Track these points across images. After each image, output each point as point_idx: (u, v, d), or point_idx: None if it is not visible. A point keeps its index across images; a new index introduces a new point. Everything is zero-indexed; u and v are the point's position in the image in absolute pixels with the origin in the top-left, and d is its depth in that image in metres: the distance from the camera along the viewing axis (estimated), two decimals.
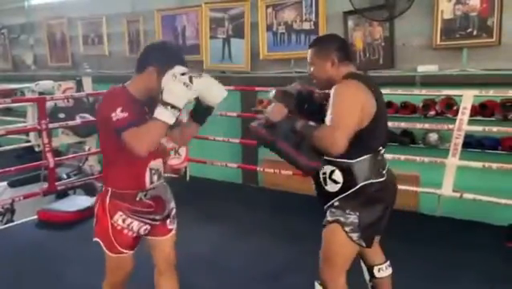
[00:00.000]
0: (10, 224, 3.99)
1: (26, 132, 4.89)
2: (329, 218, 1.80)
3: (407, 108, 3.92)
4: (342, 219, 1.76)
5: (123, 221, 1.78)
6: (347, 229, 1.75)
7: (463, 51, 3.70)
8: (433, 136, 3.74)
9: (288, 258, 3.01)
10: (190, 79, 1.59)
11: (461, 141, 3.16)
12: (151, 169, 1.80)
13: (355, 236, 1.76)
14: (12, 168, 3.68)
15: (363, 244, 1.78)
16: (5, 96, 6.35)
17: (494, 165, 3.11)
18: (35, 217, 3.78)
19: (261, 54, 4.78)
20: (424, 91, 3.54)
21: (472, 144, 3.55)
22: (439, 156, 3.53)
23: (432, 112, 3.72)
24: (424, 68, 3.85)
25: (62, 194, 4.44)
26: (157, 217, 1.87)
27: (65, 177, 4.71)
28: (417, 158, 3.50)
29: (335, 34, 1.99)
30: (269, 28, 4.70)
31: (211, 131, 4.54)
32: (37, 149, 5.02)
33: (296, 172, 3.94)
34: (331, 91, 1.72)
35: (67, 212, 3.65)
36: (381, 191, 1.77)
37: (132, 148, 1.58)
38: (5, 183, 4.55)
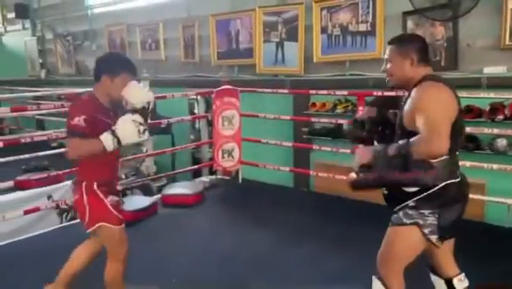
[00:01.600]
0: (74, 221, 4.20)
1: None
2: (406, 220, 1.77)
3: (471, 112, 3.71)
4: (420, 222, 1.74)
5: (117, 201, 2.14)
6: (425, 231, 1.74)
7: None
8: (502, 142, 3.51)
9: (342, 264, 2.94)
10: (144, 131, 1.91)
11: None
12: (116, 167, 2.22)
13: (434, 238, 1.75)
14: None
15: (441, 245, 1.78)
16: (70, 100, 6.76)
17: None
18: None
19: (314, 56, 4.73)
20: (492, 94, 3.33)
21: None
22: (508, 162, 3.30)
23: (501, 116, 3.49)
24: (491, 70, 3.64)
25: (122, 194, 4.63)
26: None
27: (124, 177, 4.91)
28: (485, 165, 3.29)
29: (417, 34, 2.05)
30: (323, 30, 4.64)
31: (263, 134, 4.56)
32: None
33: None
34: (416, 92, 1.72)
35: (127, 211, 3.77)
36: (458, 191, 1.76)
37: (68, 151, 1.91)
38: (69, 182, 4.80)
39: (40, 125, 8.12)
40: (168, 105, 5.14)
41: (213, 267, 2.97)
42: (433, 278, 1.98)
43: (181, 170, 5.07)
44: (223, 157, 4.55)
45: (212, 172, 5.10)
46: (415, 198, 1.74)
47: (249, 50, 5.31)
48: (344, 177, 3.86)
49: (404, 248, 1.80)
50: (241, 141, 4.54)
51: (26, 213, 3.45)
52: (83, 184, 2.09)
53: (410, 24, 4.07)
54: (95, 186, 2.07)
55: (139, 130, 1.89)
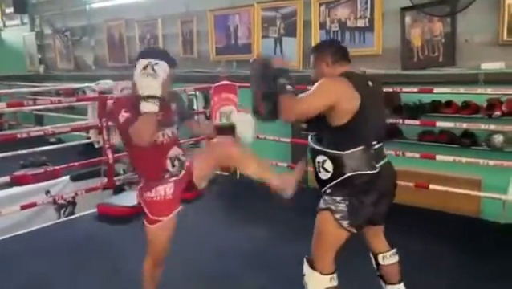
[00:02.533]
0: (72, 216, 4.22)
1: (87, 129, 5.14)
2: (322, 206, 1.95)
3: (468, 108, 3.71)
4: (332, 207, 1.90)
5: (164, 190, 2.09)
6: (337, 216, 1.89)
7: None
8: (498, 138, 3.50)
9: (341, 259, 2.93)
10: (152, 68, 1.81)
11: None
12: (170, 158, 2.11)
13: (345, 223, 1.89)
14: (76, 164, 3.88)
15: (354, 230, 1.92)
16: (68, 95, 6.77)
17: None
18: (94, 210, 3.96)
19: None
20: (489, 90, 3.33)
21: None
22: (504, 159, 3.31)
23: (498, 113, 3.49)
24: (489, 66, 3.62)
25: (118, 189, 4.64)
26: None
27: (122, 172, 4.91)
28: (481, 161, 3.29)
29: (333, 39, 2.13)
30: (322, 26, 4.63)
31: (261, 130, 4.56)
32: (96, 146, 5.26)
33: None
34: None
35: (126, 207, 3.79)
36: (371, 182, 1.88)
37: (136, 141, 1.87)
38: (67, 177, 4.81)
39: (38, 121, 8.11)
40: None
41: (209, 263, 2.98)
42: (370, 253, 2.19)
43: None
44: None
45: None
46: (329, 185, 1.91)
47: (248, 45, 5.30)
48: None
49: (324, 232, 1.96)
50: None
51: (24, 208, 3.46)
52: (140, 181, 2.17)
53: (408, 20, 4.05)
54: (147, 181, 2.11)
55: (149, 74, 1.81)
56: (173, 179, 2.14)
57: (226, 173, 4.90)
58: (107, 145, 3.81)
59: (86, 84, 5.93)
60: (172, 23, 6.09)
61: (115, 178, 4.12)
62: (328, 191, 1.92)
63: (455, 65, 3.82)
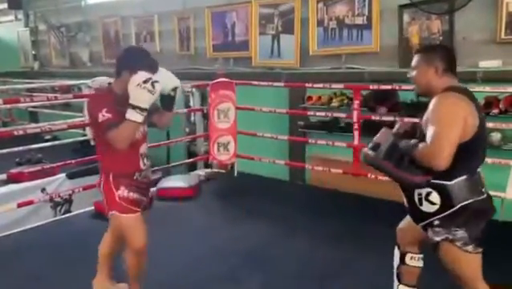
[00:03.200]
0: (68, 214, 4.19)
1: (85, 126, 5.11)
2: (436, 238, 1.79)
3: None
4: (450, 237, 1.76)
5: (128, 193, 2.14)
6: (458, 244, 1.76)
7: None
8: (496, 136, 3.52)
9: (336, 258, 2.95)
10: (153, 85, 1.92)
11: None
12: (141, 154, 2.18)
13: (470, 248, 1.76)
14: (73, 161, 3.85)
15: (480, 249, 1.79)
16: (63, 92, 6.72)
17: None
18: (91, 208, 3.93)
19: (310, 50, 4.71)
20: (488, 88, 3.33)
21: None
22: (502, 157, 3.32)
23: (496, 111, 3.50)
24: (487, 64, 3.64)
25: None
26: (147, 193, 2.27)
27: None
28: None
29: (446, 44, 2.00)
30: (319, 23, 4.62)
31: (259, 127, 4.55)
32: (92, 143, 5.23)
33: (346, 171, 3.86)
34: (433, 103, 1.72)
35: None
36: (482, 208, 1.76)
37: (115, 145, 1.96)
38: (63, 175, 4.78)
39: (33, 118, 8.05)
40: None
41: (207, 260, 2.97)
42: (396, 251, 2.10)
43: (177, 163, 5.06)
44: (218, 150, 4.53)
45: (207, 165, 5.09)
46: (438, 216, 1.76)
47: (245, 42, 5.28)
48: (340, 171, 3.89)
49: (457, 263, 1.80)
50: (237, 134, 4.52)
51: (20, 206, 3.42)
52: (102, 175, 2.19)
53: (406, 17, 4.06)
54: (110, 176, 2.14)
55: (148, 90, 1.91)
56: (139, 185, 2.18)
57: (223, 171, 4.89)
58: None
59: (81, 81, 5.89)
60: (169, 20, 6.06)
61: None
62: (437, 223, 1.77)
63: None
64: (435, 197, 1.74)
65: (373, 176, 3.56)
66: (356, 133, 3.63)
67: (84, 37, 7.48)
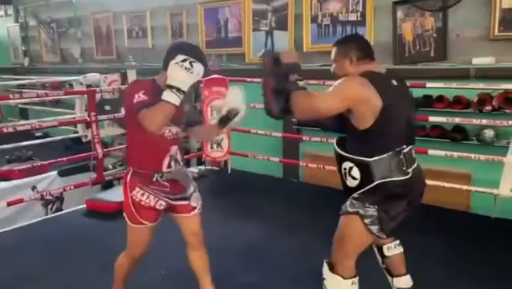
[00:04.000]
0: (60, 212, 4.14)
1: (76, 123, 5.05)
2: (349, 209, 1.85)
3: (459, 103, 3.73)
4: (361, 212, 1.81)
5: (142, 194, 1.98)
6: (366, 221, 1.80)
7: None
8: (489, 133, 3.53)
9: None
10: (190, 64, 1.79)
11: None
12: (170, 156, 2.03)
13: (374, 229, 1.80)
14: (64, 158, 3.80)
15: (384, 236, 1.86)
16: (54, 88, 6.63)
17: None
18: (83, 206, 3.89)
19: (304, 46, 4.69)
20: (481, 85, 3.34)
21: None
22: (494, 153, 3.33)
23: (489, 107, 3.51)
24: (480, 61, 3.65)
25: (107, 184, 4.57)
26: (174, 197, 2.06)
27: (111, 167, 4.84)
28: (472, 155, 3.31)
29: (358, 34, 2.06)
30: (313, 20, 4.61)
31: (253, 124, 4.52)
32: (84, 140, 5.18)
33: None
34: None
35: (115, 202, 3.72)
36: (402, 188, 1.79)
37: (144, 125, 1.80)
38: (55, 172, 4.73)
39: (23, 114, 7.95)
40: None
41: None
42: (374, 247, 2.14)
43: None
44: (212, 148, 4.50)
45: (201, 162, 5.06)
46: (357, 192, 1.81)
47: (238, 39, 5.24)
48: (334, 168, 3.87)
49: (350, 235, 1.86)
50: (231, 131, 4.50)
51: (10, 204, 3.38)
52: (127, 168, 2.06)
53: (400, 14, 4.05)
54: (129, 174, 2.00)
55: (185, 68, 1.78)
56: (157, 189, 2.02)
57: (217, 168, 4.86)
58: (96, 139, 3.73)
59: (73, 77, 5.82)
60: (162, 16, 6.00)
61: (104, 173, 4.04)
62: (356, 196, 1.83)
63: (446, 60, 3.83)
64: (355, 172, 1.80)
65: None
66: None
67: (75, 33, 7.39)
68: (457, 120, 3.45)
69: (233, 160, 4.75)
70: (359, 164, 1.79)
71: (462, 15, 3.71)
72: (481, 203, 3.54)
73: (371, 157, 1.76)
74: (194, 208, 2.13)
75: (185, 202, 2.11)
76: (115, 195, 3.89)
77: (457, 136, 3.71)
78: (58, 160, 3.90)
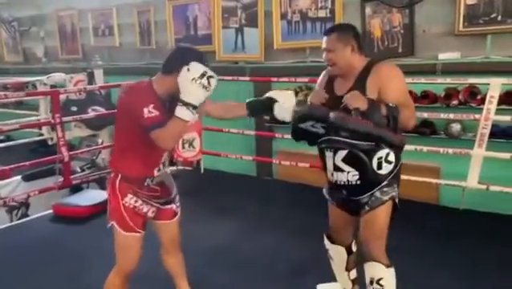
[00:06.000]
0: (25, 219, 3.97)
1: (40, 125, 4.85)
2: (384, 198, 1.86)
3: (427, 98, 3.80)
4: (394, 194, 1.87)
5: (135, 201, 1.90)
6: (396, 200, 1.89)
7: (487, 38, 3.56)
8: (456, 127, 3.62)
9: (308, 252, 2.94)
10: (208, 81, 1.71)
11: (487, 131, 3.04)
12: (163, 160, 1.97)
13: (397, 203, 1.90)
14: (27, 163, 3.64)
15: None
16: (16, 89, 6.36)
17: None
18: (50, 211, 3.75)
19: (275, 43, 4.67)
20: (448, 80, 3.41)
21: (497, 134, 3.42)
22: (461, 146, 3.41)
23: (455, 102, 3.60)
24: (446, 56, 3.72)
25: (75, 188, 4.42)
26: (162, 201, 2.00)
27: (79, 170, 4.68)
28: (441, 149, 3.38)
29: (348, 23, 2.06)
30: (283, 16, 4.59)
31: (225, 123, 4.47)
32: (50, 143, 4.99)
33: (313, 165, 3.86)
34: (382, 70, 1.83)
35: (83, 206, 3.61)
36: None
37: (160, 145, 1.75)
38: (19, 177, 4.53)
39: None
40: None
41: None
42: (333, 246, 2.19)
43: None
44: (183, 148, 4.43)
45: (172, 163, 4.97)
46: (389, 176, 1.85)
47: (208, 36, 5.17)
48: (307, 165, 3.89)
49: (387, 223, 1.89)
50: (202, 131, 4.43)
51: None
52: (112, 174, 1.94)
53: (368, 11, 4.09)
54: (117, 180, 1.90)
55: (203, 85, 1.70)
56: (148, 194, 1.94)
57: (189, 168, 4.79)
58: (61, 142, 3.59)
59: (36, 78, 5.60)
60: (129, 13, 5.85)
61: (72, 176, 3.90)
62: (386, 183, 1.86)
63: (414, 55, 3.89)
64: (392, 156, 1.83)
65: None
66: None
67: (38, 31, 7.11)
68: (426, 114, 3.51)
69: (206, 160, 4.69)
70: (394, 146, 1.82)
71: (428, 11, 3.78)
72: (449, 196, 3.62)
73: (396, 138, 1.82)
74: (176, 214, 2.09)
75: (170, 206, 2.05)
76: (84, 199, 3.78)
77: (426, 130, 3.77)
78: (21, 164, 3.72)
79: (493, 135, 3.33)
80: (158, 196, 1.98)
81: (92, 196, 3.85)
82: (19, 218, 4.14)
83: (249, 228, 3.39)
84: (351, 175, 1.86)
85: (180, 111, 1.71)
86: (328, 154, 1.91)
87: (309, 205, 3.76)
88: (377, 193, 1.86)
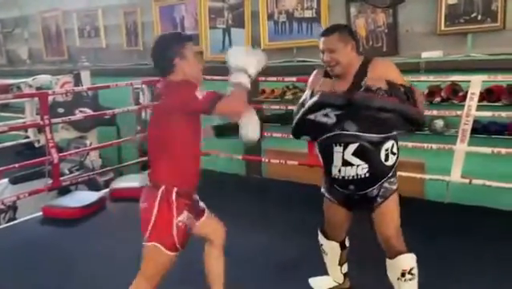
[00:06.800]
0: (14, 222, 3.93)
1: (28, 128, 4.80)
2: (394, 187, 1.95)
3: None
4: (397, 183, 1.97)
5: (188, 218, 1.78)
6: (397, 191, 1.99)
7: (468, 37, 3.67)
8: (439, 123, 3.71)
9: (299, 249, 2.99)
10: (257, 59, 1.73)
11: (469, 127, 3.14)
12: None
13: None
14: (16, 165, 3.62)
15: None
16: (1, 92, 6.27)
17: (504, 150, 3.10)
18: (38, 214, 3.72)
19: (262, 43, 4.72)
20: (431, 78, 3.51)
21: (478, 129, 3.53)
22: (445, 142, 3.51)
23: (438, 99, 3.69)
24: (429, 54, 3.82)
25: (64, 190, 4.39)
26: (197, 210, 1.93)
27: (67, 172, 4.66)
28: (425, 145, 3.48)
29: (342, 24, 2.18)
30: (270, 17, 4.64)
31: (214, 122, 4.50)
32: (37, 145, 4.95)
33: (302, 162, 3.92)
34: (381, 66, 1.91)
35: (73, 208, 3.60)
36: None
37: (232, 114, 1.72)
38: (6, 180, 4.49)
39: None
40: (111, 95, 4.92)
41: None
42: (328, 242, 2.24)
43: (129, 163, 4.90)
44: None
45: None
46: (393, 168, 1.93)
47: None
48: (296, 163, 3.94)
49: (399, 212, 1.98)
50: None
51: None
52: (161, 189, 1.72)
53: (353, 10, 4.16)
54: (173, 195, 1.72)
55: (257, 58, 1.73)
56: (193, 207, 1.85)
57: None
58: (51, 144, 3.57)
59: (21, 80, 5.54)
60: (115, 14, 5.83)
61: (61, 178, 3.89)
62: (391, 174, 1.93)
63: (398, 54, 3.98)
64: (395, 147, 1.91)
65: None
66: None
67: (22, 33, 7.03)
68: None
69: None
70: (396, 138, 1.90)
71: (411, 11, 3.87)
72: (434, 190, 3.72)
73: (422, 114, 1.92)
74: (204, 210, 2.02)
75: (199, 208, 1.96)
76: (73, 200, 3.77)
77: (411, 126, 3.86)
78: (10, 166, 3.68)
79: (475, 131, 3.45)
80: (195, 205, 1.90)
81: (82, 197, 3.85)
82: (7, 222, 4.11)
83: (237, 226, 3.40)
84: (360, 168, 1.88)
85: (238, 76, 1.67)
86: (337, 149, 1.89)
87: (297, 202, 3.82)
88: (386, 184, 1.93)
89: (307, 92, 2.06)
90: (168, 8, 5.34)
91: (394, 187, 1.95)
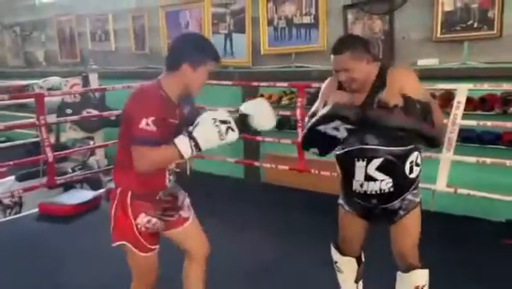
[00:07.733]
0: (12, 216, 4.10)
1: (24, 127, 5.00)
2: (417, 199, 1.92)
3: None
4: (421, 196, 1.94)
5: (148, 221, 1.75)
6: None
7: (464, 44, 3.62)
8: None
9: (280, 251, 3.01)
10: (227, 130, 1.59)
11: (455, 136, 3.09)
12: (169, 170, 1.80)
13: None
14: (11, 162, 3.77)
15: None
16: (17, 92, 6.53)
17: (489, 160, 3.04)
18: (36, 210, 3.87)
19: (262, 49, 4.77)
20: (426, 86, 3.46)
21: (472, 138, 3.48)
22: (432, 151, 3.44)
23: None
24: (425, 62, 3.78)
25: (68, 187, 4.54)
26: (173, 213, 1.85)
27: (70, 171, 4.82)
28: None
29: (352, 34, 2.09)
30: (270, 23, 4.69)
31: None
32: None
33: (293, 168, 3.92)
34: (400, 76, 1.80)
35: (67, 205, 3.73)
36: None
37: (135, 164, 1.57)
38: (13, 177, 4.68)
39: None
40: (118, 97, 5.05)
41: None
42: (344, 258, 2.10)
43: None
44: None
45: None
46: (417, 180, 1.89)
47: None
48: (286, 167, 3.94)
49: (420, 226, 1.94)
50: None
51: None
52: (118, 191, 1.74)
53: (350, 17, 4.17)
54: (128, 198, 1.72)
55: (219, 131, 1.57)
56: (160, 208, 1.78)
57: (177, 170, 4.88)
58: (46, 143, 3.72)
59: (34, 81, 5.77)
60: (124, 19, 6.00)
61: (59, 177, 4.03)
62: (415, 186, 1.89)
63: (394, 61, 3.95)
64: (419, 158, 1.87)
65: (316, 171, 3.66)
66: (300, 130, 3.71)
67: (39, 36, 7.32)
68: None
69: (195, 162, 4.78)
70: (419, 150, 1.86)
71: (407, 18, 3.85)
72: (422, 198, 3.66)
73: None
74: (186, 218, 1.92)
75: (178, 214, 1.89)
76: (70, 198, 3.91)
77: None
78: (6, 164, 3.84)
79: (468, 140, 3.40)
80: (169, 207, 1.82)
81: (79, 195, 3.98)
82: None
83: (228, 229, 3.46)
84: (384, 183, 1.81)
85: (181, 142, 1.55)
86: (360, 164, 1.81)
87: (293, 208, 3.84)
88: (409, 196, 1.87)
89: (318, 102, 1.95)
90: (174, 13, 5.46)
91: (417, 199, 1.90)
